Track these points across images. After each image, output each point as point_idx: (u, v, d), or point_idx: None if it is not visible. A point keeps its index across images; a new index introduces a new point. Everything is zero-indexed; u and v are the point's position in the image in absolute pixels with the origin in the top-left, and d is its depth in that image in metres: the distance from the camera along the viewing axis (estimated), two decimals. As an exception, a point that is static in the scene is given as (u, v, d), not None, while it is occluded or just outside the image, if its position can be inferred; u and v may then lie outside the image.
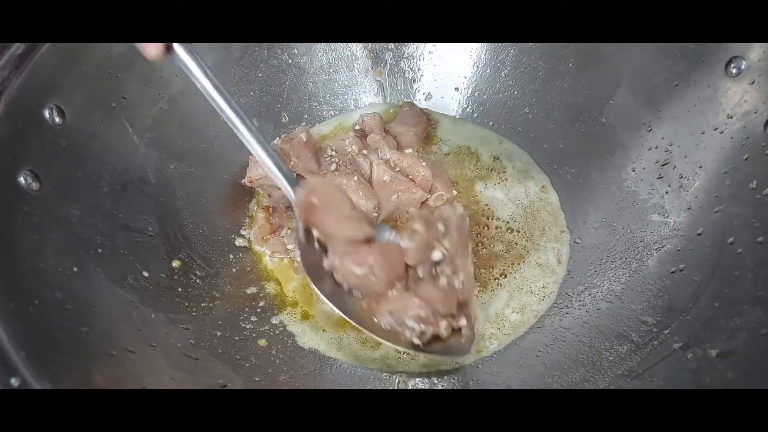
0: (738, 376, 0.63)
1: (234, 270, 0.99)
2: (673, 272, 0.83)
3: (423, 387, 0.86)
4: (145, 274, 0.85)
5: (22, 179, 0.73)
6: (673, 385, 0.69)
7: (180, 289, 0.88)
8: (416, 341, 0.75)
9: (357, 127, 1.14)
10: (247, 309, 0.94)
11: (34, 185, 0.74)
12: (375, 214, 1.01)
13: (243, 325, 0.90)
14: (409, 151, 1.07)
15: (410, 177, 1.03)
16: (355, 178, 1.01)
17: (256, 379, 0.82)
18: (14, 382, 0.56)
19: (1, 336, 0.60)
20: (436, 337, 0.77)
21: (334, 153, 1.09)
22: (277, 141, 1.10)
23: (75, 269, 0.75)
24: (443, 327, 0.75)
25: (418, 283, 0.78)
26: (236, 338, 0.87)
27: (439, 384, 0.87)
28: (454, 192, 1.07)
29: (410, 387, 0.86)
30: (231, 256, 1.00)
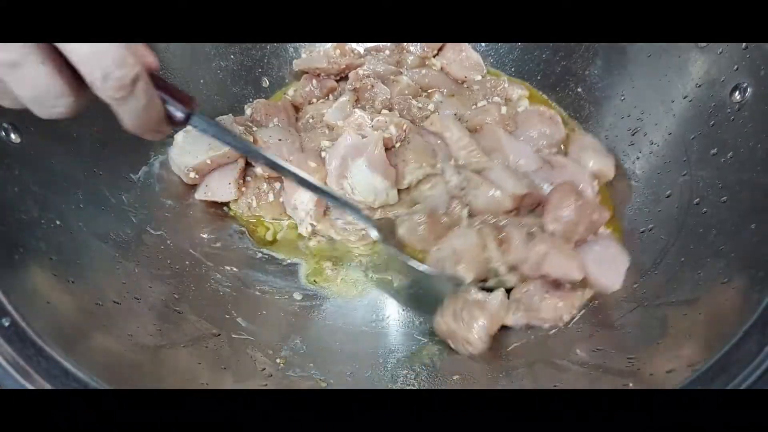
0: (701, 320, 0.68)
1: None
2: (642, 232, 0.88)
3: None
4: (128, 231, 0.85)
5: (2, 132, 0.72)
6: (643, 331, 0.73)
7: (162, 247, 0.88)
8: None
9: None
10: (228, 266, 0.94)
11: (15, 137, 0.73)
12: None
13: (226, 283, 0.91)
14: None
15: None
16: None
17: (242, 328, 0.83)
18: (5, 322, 0.56)
19: (-12, 279, 0.59)
20: None
21: (311, 119, 1.09)
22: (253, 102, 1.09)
23: (58, 222, 0.74)
24: None
25: None
26: (220, 293, 0.88)
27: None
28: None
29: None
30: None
